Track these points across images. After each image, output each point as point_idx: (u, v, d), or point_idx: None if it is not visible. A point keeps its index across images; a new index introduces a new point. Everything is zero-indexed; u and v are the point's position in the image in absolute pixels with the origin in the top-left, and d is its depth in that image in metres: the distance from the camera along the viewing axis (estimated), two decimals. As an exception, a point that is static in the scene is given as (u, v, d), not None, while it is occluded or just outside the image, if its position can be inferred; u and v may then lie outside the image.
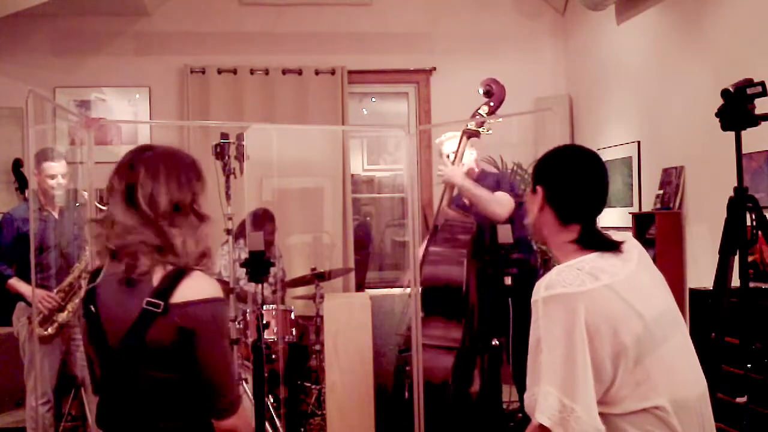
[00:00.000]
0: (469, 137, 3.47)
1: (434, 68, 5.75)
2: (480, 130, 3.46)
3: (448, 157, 3.59)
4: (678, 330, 1.55)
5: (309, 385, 4.55)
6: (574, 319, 1.40)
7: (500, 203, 3.34)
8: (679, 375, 1.48)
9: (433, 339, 3.21)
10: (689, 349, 1.56)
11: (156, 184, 1.56)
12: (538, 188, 1.61)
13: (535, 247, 3.88)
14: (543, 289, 1.46)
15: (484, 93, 3.52)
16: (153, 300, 1.51)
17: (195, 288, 1.54)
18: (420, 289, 3.34)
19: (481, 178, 3.59)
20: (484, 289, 3.24)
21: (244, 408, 1.62)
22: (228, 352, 1.58)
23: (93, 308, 1.60)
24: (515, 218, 3.35)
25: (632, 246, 1.60)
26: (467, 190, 3.40)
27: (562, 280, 1.45)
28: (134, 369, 1.54)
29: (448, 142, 3.63)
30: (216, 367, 1.54)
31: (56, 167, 3.62)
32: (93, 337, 1.61)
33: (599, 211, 1.61)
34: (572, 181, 1.59)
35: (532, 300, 1.48)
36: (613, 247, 1.55)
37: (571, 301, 1.42)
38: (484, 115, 3.45)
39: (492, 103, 3.48)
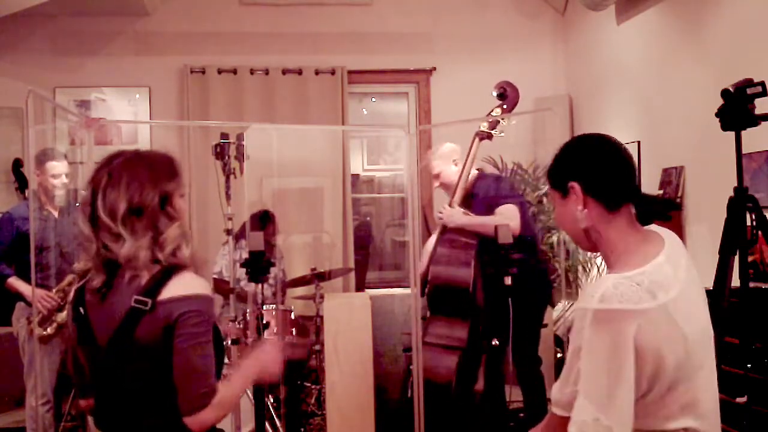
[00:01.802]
0: (481, 139, 3.47)
1: (434, 68, 5.75)
2: (493, 132, 3.45)
3: (437, 176, 3.61)
4: (711, 352, 1.51)
5: (309, 385, 4.55)
6: (624, 338, 1.34)
7: (508, 218, 3.27)
8: (706, 402, 1.45)
9: (439, 338, 3.21)
10: (714, 369, 1.51)
11: (115, 191, 1.57)
12: (572, 185, 1.50)
13: (540, 247, 3.88)
14: (597, 300, 1.37)
15: (498, 96, 3.51)
16: (141, 298, 1.52)
17: (182, 285, 1.55)
18: (427, 288, 3.34)
19: (479, 181, 3.57)
20: (488, 290, 3.24)
21: (221, 405, 1.59)
22: (204, 346, 1.55)
23: (82, 310, 1.62)
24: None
25: (680, 254, 1.50)
26: (472, 226, 3.37)
27: (619, 294, 1.36)
28: (123, 367, 1.55)
29: (436, 162, 3.63)
30: (189, 360, 1.52)
31: (60, 167, 3.64)
32: (83, 338, 1.63)
33: (636, 186, 1.53)
34: (603, 164, 1.50)
35: (580, 305, 1.40)
36: (675, 206, 1.51)
37: (625, 318, 1.35)
38: (498, 117, 3.45)
39: (506, 106, 3.48)
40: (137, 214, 1.57)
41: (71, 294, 1.67)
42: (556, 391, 1.46)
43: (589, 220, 1.50)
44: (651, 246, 1.48)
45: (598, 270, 5.02)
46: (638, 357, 1.35)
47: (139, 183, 1.59)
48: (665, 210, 1.52)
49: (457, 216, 3.40)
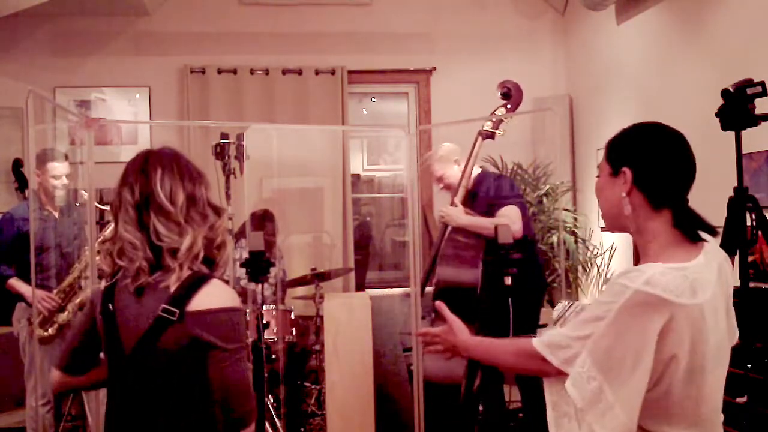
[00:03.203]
0: (484, 138, 3.47)
1: (434, 68, 5.75)
2: (496, 131, 3.46)
3: (440, 178, 3.60)
4: (723, 363, 1.49)
5: (309, 385, 4.55)
6: (657, 326, 1.34)
7: (511, 220, 3.25)
8: (703, 407, 1.44)
9: None
10: (722, 381, 1.50)
11: (173, 181, 1.57)
12: (625, 170, 1.47)
13: (536, 247, 3.88)
14: (642, 282, 1.35)
15: (502, 95, 3.51)
16: (169, 307, 1.49)
17: (212, 296, 1.51)
18: (434, 289, 3.34)
19: (481, 180, 3.57)
20: (489, 290, 3.24)
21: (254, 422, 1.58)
22: (243, 364, 1.53)
23: (111, 307, 1.58)
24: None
25: (715, 259, 1.48)
26: (473, 226, 3.36)
27: (665, 282, 1.35)
28: (144, 374, 1.52)
29: (437, 163, 3.63)
30: (230, 380, 1.51)
31: (60, 168, 3.64)
32: (108, 337, 1.59)
33: (688, 192, 1.50)
34: (662, 159, 1.47)
35: (621, 281, 1.38)
36: (712, 232, 1.48)
37: (663, 306, 1.34)
38: (502, 116, 3.45)
39: (509, 105, 3.48)
40: (194, 205, 1.58)
41: (102, 287, 1.62)
42: (553, 333, 1.47)
43: (631, 208, 1.48)
44: (692, 245, 1.46)
45: (598, 270, 5.02)
46: (656, 349, 1.35)
47: (190, 176, 1.60)
48: (699, 229, 1.48)
49: (459, 215, 3.39)
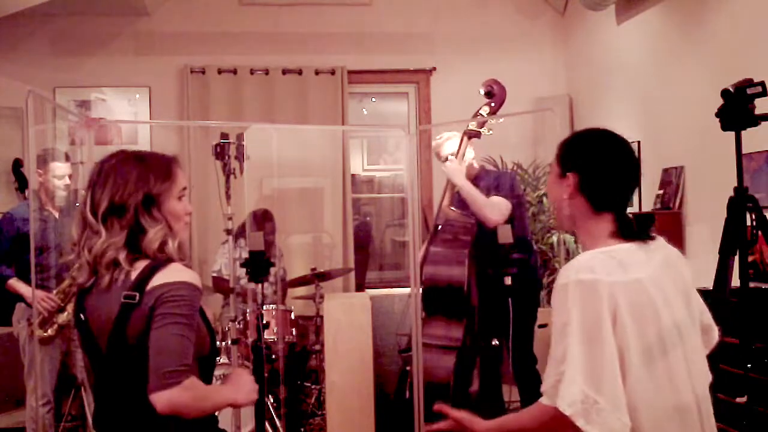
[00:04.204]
0: (470, 138, 3.48)
1: (434, 68, 5.75)
2: (481, 130, 3.47)
3: (446, 159, 3.59)
4: (689, 344, 1.49)
5: (309, 385, 4.55)
6: (603, 308, 1.38)
7: (494, 207, 3.30)
8: (680, 395, 1.44)
9: (435, 339, 3.21)
10: (697, 365, 1.50)
11: (101, 189, 1.60)
12: (570, 175, 1.55)
13: (535, 247, 3.89)
14: (574, 272, 1.42)
15: (485, 94, 3.53)
16: (129, 293, 1.53)
17: (167, 274, 1.56)
18: (421, 289, 3.34)
19: (481, 176, 3.59)
20: (485, 289, 3.24)
21: (194, 392, 1.52)
22: (182, 327, 1.50)
23: (83, 316, 1.62)
24: (515, 218, 3.35)
25: (659, 252, 1.54)
26: (465, 191, 3.39)
27: (593, 265, 1.42)
28: (121, 364, 1.55)
29: (447, 143, 3.63)
30: (155, 339, 1.49)
31: (63, 168, 3.65)
32: (84, 343, 1.64)
33: (630, 198, 1.58)
34: (607, 168, 1.54)
35: (559, 282, 1.44)
36: (646, 237, 1.53)
37: (601, 288, 1.39)
38: (485, 116, 3.46)
39: (493, 104, 3.49)
40: (118, 213, 1.58)
41: (74, 300, 1.69)
42: (546, 376, 1.47)
43: (572, 209, 1.56)
44: (627, 241, 1.52)
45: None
46: (616, 329, 1.38)
47: (124, 182, 1.60)
48: (634, 232, 1.54)
49: (459, 175, 3.38)
